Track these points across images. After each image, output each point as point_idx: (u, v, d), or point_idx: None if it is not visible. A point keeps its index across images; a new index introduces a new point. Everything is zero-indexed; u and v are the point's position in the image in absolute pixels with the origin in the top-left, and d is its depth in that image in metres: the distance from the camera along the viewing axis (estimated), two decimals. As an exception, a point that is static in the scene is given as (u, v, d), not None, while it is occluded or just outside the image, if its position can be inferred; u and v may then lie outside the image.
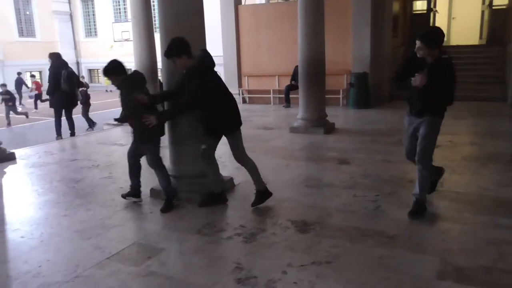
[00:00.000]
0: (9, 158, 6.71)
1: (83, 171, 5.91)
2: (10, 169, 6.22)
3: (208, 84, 3.94)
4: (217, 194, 4.39)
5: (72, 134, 8.96)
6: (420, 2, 16.17)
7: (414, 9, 16.02)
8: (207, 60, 4.01)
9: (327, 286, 2.81)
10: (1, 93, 12.79)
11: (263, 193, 4.28)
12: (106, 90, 24.86)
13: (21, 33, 26.79)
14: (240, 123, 4.19)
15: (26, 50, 26.22)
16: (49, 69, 8.73)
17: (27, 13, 26.82)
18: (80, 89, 10.04)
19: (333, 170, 5.55)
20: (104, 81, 27.63)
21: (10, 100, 12.69)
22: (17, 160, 6.74)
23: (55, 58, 8.67)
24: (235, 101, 4.18)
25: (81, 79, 12.21)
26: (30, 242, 3.68)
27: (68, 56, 28.79)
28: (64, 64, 8.66)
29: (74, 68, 29.79)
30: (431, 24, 15.25)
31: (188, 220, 4.02)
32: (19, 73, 19.51)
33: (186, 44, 3.92)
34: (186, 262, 3.26)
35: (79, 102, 9.52)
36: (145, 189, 4.66)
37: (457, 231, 3.59)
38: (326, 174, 5.50)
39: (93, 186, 5.19)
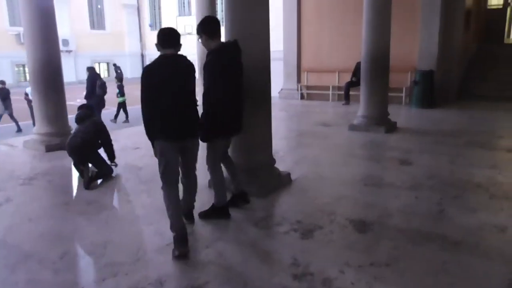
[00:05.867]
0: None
1: (145, 159, 6.12)
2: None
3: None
4: (220, 207, 3.89)
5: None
6: (496, -4, 15.26)
7: (489, 4, 15.09)
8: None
9: (386, 288, 2.72)
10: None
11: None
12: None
13: (93, 26, 28.29)
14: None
15: (97, 41, 27.68)
16: (87, 79, 10.11)
17: (99, 6, 28.28)
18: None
19: (394, 170, 5.36)
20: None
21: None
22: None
23: (92, 71, 10.38)
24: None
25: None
26: (96, 223, 3.87)
27: (134, 48, 30.16)
28: (98, 74, 10.51)
29: (139, 59, 31.17)
30: (507, 20, 14.32)
31: (244, 212, 4.04)
32: None
33: (211, 24, 3.65)
34: (243, 253, 3.27)
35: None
36: (203, 181, 4.76)
37: (530, 241, 3.34)
38: (387, 173, 5.33)
39: (154, 174, 5.32)
